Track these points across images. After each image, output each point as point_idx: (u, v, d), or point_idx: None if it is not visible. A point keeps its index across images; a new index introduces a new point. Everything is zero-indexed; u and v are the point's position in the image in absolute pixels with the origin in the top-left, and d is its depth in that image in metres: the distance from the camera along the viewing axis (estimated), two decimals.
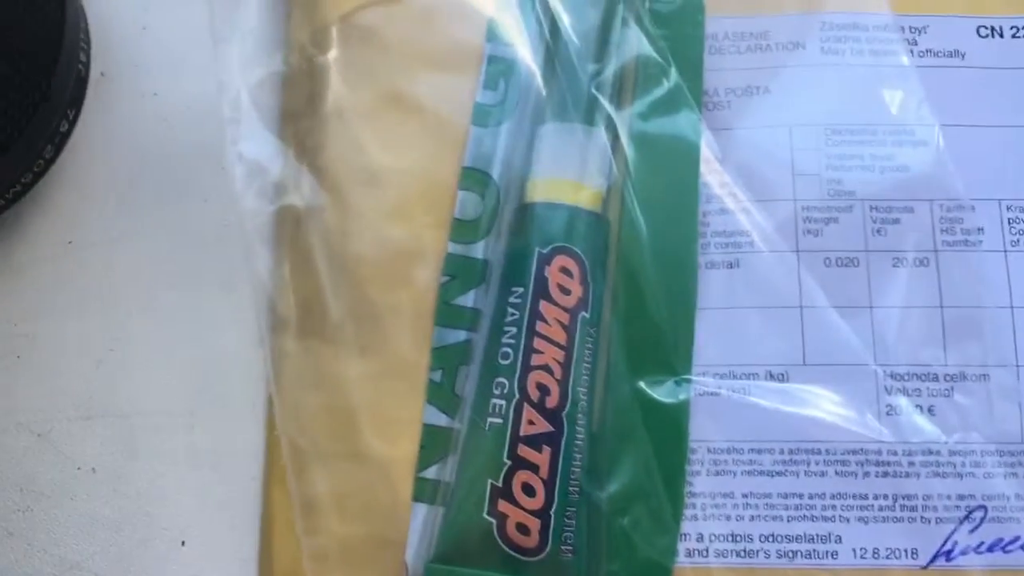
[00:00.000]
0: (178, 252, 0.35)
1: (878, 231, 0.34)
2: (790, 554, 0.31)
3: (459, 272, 0.33)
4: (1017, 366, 0.32)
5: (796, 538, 0.31)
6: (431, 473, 0.32)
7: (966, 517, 0.31)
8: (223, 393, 0.34)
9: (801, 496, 0.32)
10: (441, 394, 0.32)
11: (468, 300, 0.33)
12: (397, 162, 0.34)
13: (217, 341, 0.35)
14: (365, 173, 0.34)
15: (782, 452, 0.32)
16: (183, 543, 0.33)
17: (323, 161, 0.34)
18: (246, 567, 0.33)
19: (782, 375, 0.33)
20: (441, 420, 0.32)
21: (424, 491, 0.32)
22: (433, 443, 0.32)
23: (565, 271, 0.31)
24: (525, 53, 0.35)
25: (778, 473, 0.32)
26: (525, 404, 0.30)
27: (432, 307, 0.33)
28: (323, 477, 0.32)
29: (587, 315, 0.31)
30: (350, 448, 0.32)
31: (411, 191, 0.34)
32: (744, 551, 0.31)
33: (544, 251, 0.32)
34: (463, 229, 0.34)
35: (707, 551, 0.31)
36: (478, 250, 0.34)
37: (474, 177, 0.34)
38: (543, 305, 0.31)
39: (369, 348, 0.33)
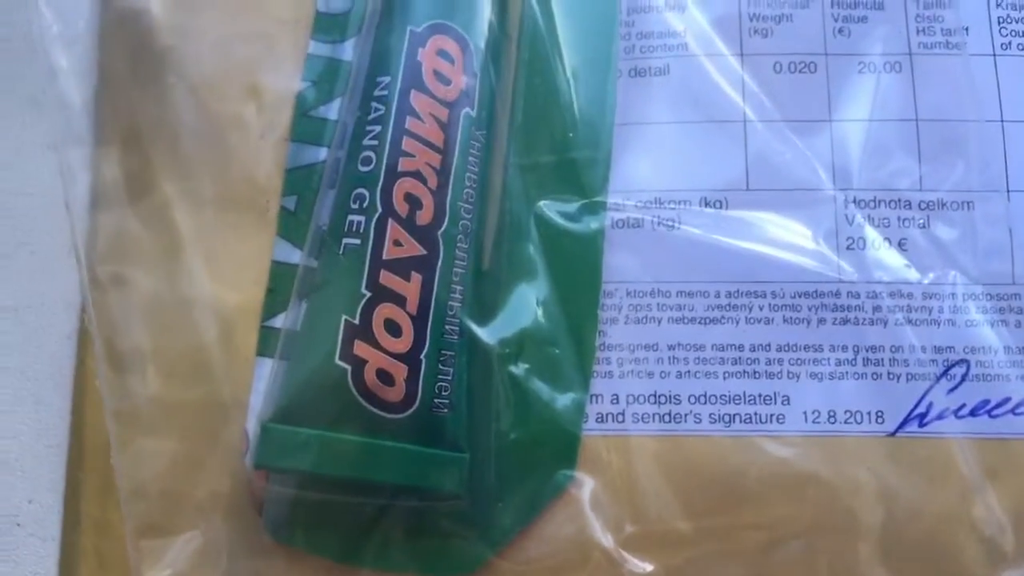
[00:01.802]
0: None
1: (840, 30, 0.27)
2: (726, 418, 0.24)
3: (322, 77, 0.26)
4: (1008, 191, 0.25)
5: (734, 399, 0.24)
6: (281, 322, 0.24)
7: (944, 373, 0.24)
8: (32, 231, 0.26)
9: (741, 348, 0.25)
10: (295, 225, 0.25)
11: (332, 111, 0.26)
12: None
13: (23, 169, 0.27)
14: None
15: (718, 295, 0.25)
16: None
17: None
18: (52, 449, 0.25)
19: (720, 202, 0.25)
20: (295, 257, 0.25)
21: (271, 344, 0.24)
22: (284, 285, 0.25)
23: (444, 55, 0.24)
24: None
25: (713, 320, 0.25)
26: (390, 220, 0.23)
27: (287, 120, 0.25)
28: (141, 326, 0.24)
29: (472, 112, 0.24)
30: (178, 291, 0.25)
31: None
32: (669, 415, 0.24)
33: (417, 29, 0.24)
34: (328, 24, 0.27)
35: (623, 415, 0.24)
36: (346, 50, 0.26)
37: None
38: (415, 96, 0.24)
39: (207, 170, 0.26)
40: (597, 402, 0.25)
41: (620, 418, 0.25)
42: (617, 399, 0.25)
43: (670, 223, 0.26)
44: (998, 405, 0.25)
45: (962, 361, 0.25)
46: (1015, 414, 0.25)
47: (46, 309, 0.27)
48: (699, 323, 0.26)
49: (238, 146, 0.26)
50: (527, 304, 0.25)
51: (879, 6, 0.27)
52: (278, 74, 0.27)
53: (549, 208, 0.26)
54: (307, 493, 0.24)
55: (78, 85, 0.27)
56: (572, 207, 0.26)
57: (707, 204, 0.26)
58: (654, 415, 0.25)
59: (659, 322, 0.26)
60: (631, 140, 0.27)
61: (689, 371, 0.25)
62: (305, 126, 0.26)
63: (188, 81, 0.27)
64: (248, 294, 0.26)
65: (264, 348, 0.25)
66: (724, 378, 0.25)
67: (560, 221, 0.25)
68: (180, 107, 0.26)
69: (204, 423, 0.25)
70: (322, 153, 0.26)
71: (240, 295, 0.25)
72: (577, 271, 0.25)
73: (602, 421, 0.25)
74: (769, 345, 0.25)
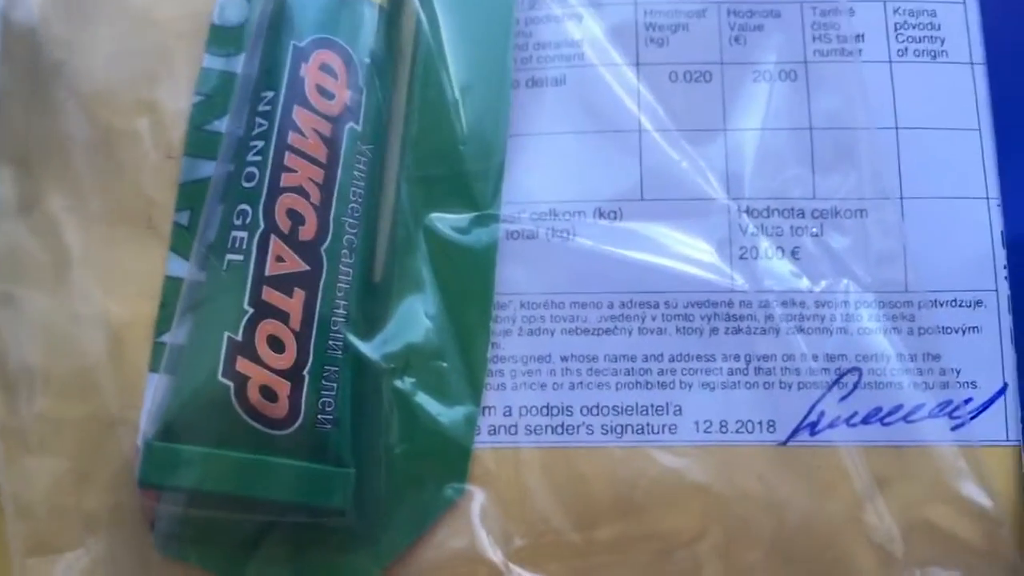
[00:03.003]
0: None
1: (736, 39, 0.27)
2: (618, 429, 0.24)
3: (216, 90, 0.26)
4: (901, 199, 0.25)
5: (626, 410, 0.24)
6: (176, 336, 0.24)
7: (836, 382, 0.24)
8: None
9: (634, 359, 0.25)
10: (188, 240, 0.25)
11: (228, 124, 0.25)
12: None
13: None
14: None
15: (611, 306, 0.25)
16: None
17: None
18: None
19: (614, 212, 0.25)
20: (189, 269, 0.24)
21: (163, 358, 0.24)
22: (178, 299, 0.24)
23: (327, 69, 0.24)
24: None
25: (606, 331, 0.25)
26: (272, 236, 0.23)
27: (181, 134, 0.25)
28: (31, 344, 0.24)
29: (357, 127, 0.24)
30: (68, 307, 0.24)
31: None
32: (562, 426, 0.24)
33: (300, 44, 0.24)
34: (222, 37, 0.26)
35: (516, 427, 0.24)
36: (240, 64, 0.26)
37: None
38: (297, 112, 0.23)
39: (99, 184, 0.25)
40: (489, 414, 0.25)
41: (512, 430, 0.25)
42: (509, 411, 0.25)
43: (564, 234, 0.26)
44: (890, 413, 0.25)
45: (854, 369, 0.25)
46: (907, 421, 0.25)
47: None
48: (592, 334, 0.25)
49: (130, 161, 0.26)
50: (415, 318, 0.25)
51: (775, 14, 0.28)
52: (172, 88, 0.27)
53: (440, 221, 0.26)
54: (195, 511, 0.24)
55: None
56: (463, 220, 0.26)
57: (601, 215, 0.26)
58: (546, 426, 0.25)
59: (552, 333, 0.26)
60: (526, 151, 0.27)
61: (582, 382, 0.25)
62: (198, 140, 0.26)
63: (80, 96, 0.26)
64: (140, 309, 0.25)
65: (156, 364, 0.25)
66: (616, 389, 0.25)
67: (451, 234, 0.25)
68: (71, 122, 0.26)
69: (93, 439, 0.25)
70: (213, 167, 0.26)
71: (131, 310, 0.25)
72: (468, 284, 0.25)
73: (494, 433, 0.25)
74: (662, 355, 0.25)
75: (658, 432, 0.25)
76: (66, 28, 0.27)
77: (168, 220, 0.26)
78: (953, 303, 0.25)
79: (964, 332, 0.25)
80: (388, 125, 0.26)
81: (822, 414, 0.25)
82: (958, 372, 0.25)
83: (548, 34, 0.28)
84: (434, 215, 0.25)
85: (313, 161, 0.24)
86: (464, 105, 0.26)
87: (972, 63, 0.27)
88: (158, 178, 0.26)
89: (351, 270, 0.24)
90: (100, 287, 0.26)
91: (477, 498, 0.24)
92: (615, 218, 0.26)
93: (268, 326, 0.23)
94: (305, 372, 0.23)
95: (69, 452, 0.25)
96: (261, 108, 0.24)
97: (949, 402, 0.25)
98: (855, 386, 0.25)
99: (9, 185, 0.26)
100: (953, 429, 0.25)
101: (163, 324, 0.25)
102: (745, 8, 0.28)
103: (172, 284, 0.25)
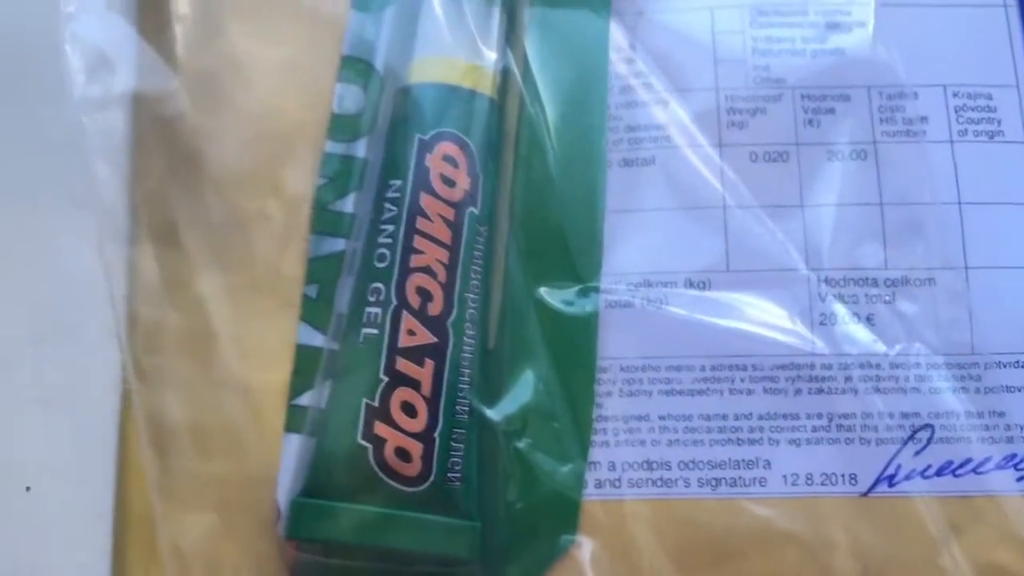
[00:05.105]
0: (12, 160, 0.30)
1: (810, 122, 0.29)
2: (713, 482, 0.27)
3: (338, 173, 0.29)
4: (966, 268, 0.28)
5: (720, 464, 0.27)
6: (306, 400, 0.27)
7: (911, 437, 0.27)
8: (74, 321, 0.29)
9: (725, 417, 0.27)
10: (317, 311, 0.28)
11: (348, 204, 0.29)
12: (267, 51, 0.30)
13: (65, 261, 0.30)
14: (230, 63, 0.29)
15: (703, 369, 0.28)
16: (28, 488, 0.28)
17: (181, 49, 0.29)
18: (99, 518, 0.28)
19: (703, 283, 0.28)
20: (317, 340, 0.28)
21: (298, 420, 0.27)
22: (308, 366, 0.27)
23: (449, 159, 0.27)
24: None
25: (699, 392, 0.27)
26: (404, 311, 0.26)
27: (308, 214, 0.28)
28: (180, 408, 0.27)
29: (476, 211, 0.27)
30: (212, 374, 0.28)
31: (283, 84, 0.30)
32: (661, 480, 0.27)
33: (425, 137, 0.27)
34: (342, 125, 0.29)
35: (619, 481, 0.27)
36: (359, 148, 0.29)
37: (354, 67, 0.30)
38: (424, 198, 0.26)
39: (235, 261, 0.28)
40: (595, 470, 0.28)
41: (616, 484, 0.28)
42: (613, 466, 0.28)
43: (658, 303, 0.29)
44: (961, 465, 0.28)
45: (927, 426, 0.28)
46: (976, 473, 0.28)
47: (91, 391, 0.30)
48: (686, 395, 0.28)
49: (262, 239, 0.29)
50: (529, 383, 0.28)
51: (845, 98, 0.30)
52: (298, 171, 0.30)
53: (548, 294, 0.28)
54: (334, 560, 0.27)
55: (116, 188, 0.30)
56: (569, 292, 0.29)
57: (691, 285, 0.29)
58: (647, 480, 0.28)
59: (650, 394, 0.28)
60: (622, 227, 0.29)
61: (678, 439, 0.28)
62: (324, 219, 0.29)
63: (214, 180, 0.29)
64: (275, 375, 0.28)
65: (292, 424, 0.28)
66: (710, 445, 0.28)
67: (558, 306, 0.28)
68: (210, 205, 0.29)
69: (237, 495, 0.28)
70: (340, 244, 0.29)
71: (268, 376, 0.28)
72: (574, 351, 0.28)
73: (600, 487, 0.28)
74: (751, 414, 0.28)
75: (750, 484, 0.28)
76: (202, 118, 0.30)
77: (298, 293, 0.29)
78: (1016, 364, 0.28)
79: None
80: (497, 204, 0.29)
81: (899, 467, 0.28)
82: (1022, 428, 0.28)
83: (638, 118, 0.30)
84: (542, 289, 0.28)
85: (439, 243, 0.27)
86: (564, 185, 0.29)
87: None
88: (288, 255, 0.29)
89: (474, 340, 0.27)
90: (239, 356, 0.28)
91: (587, 547, 0.27)
92: (704, 288, 0.29)
93: (402, 393, 0.26)
94: (436, 435, 0.26)
95: (216, 506, 0.28)
96: (390, 195, 0.27)
97: (1015, 455, 0.27)
98: (928, 441, 0.28)
99: (153, 262, 0.29)
100: (1019, 480, 0.27)
101: (297, 388, 0.28)
102: (817, 92, 0.30)
103: (303, 352, 0.28)
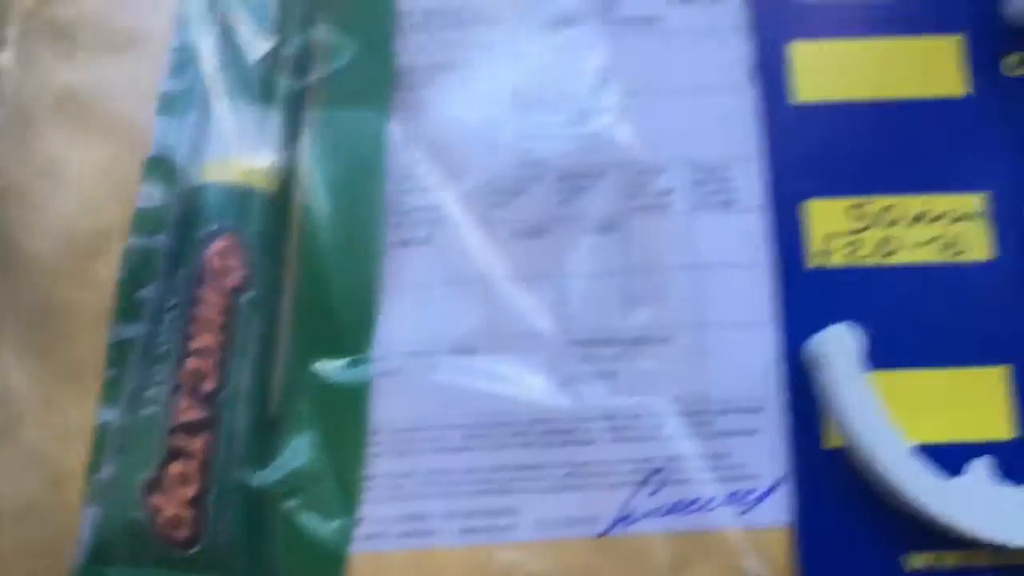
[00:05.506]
0: None
1: (566, 200, 0.33)
2: (470, 531, 0.31)
3: (139, 265, 0.33)
4: (702, 325, 0.32)
5: (475, 514, 0.31)
6: (104, 474, 0.31)
7: (644, 481, 0.30)
8: None
9: (483, 470, 0.31)
10: (116, 392, 0.32)
11: (148, 293, 0.32)
12: (81, 154, 0.34)
13: None
14: (47, 166, 0.33)
15: (468, 427, 0.31)
16: None
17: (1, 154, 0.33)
18: None
19: (468, 349, 0.32)
20: (113, 418, 0.31)
21: (96, 494, 0.31)
22: (106, 443, 0.31)
23: (227, 252, 0.31)
24: (205, 35, 0.34)
25: (464, 448, 0.31)
26: (180, 391, 0.29)
27: (111, 303, 0.32)
28: None
29: (251, 296, 0.31)
30: (19, 455, 0.31)
31: (96, 185, 0.34)
32: (423, 531, 0.31)
33: (206, 232, 0.31)
34: (145, 221, 0.33)
35: (384, 534, 0.31)
36: (160, 241, 0.33)
37: (159, 167, 0.34)
38: (202, 288, 0.30)
39: (43, 350, 0.32)
40: (363, 525, 0.31)
41: (381, 537, 0.31)
42: (379, 521, 0.31)
43: (427, 369, 0.33)
44: (690, 504, 0.31)
45: (660, 470, 0.31)
46: (704, 511, 0.31)
47: None
48: (452, 452, 0.32)
49: (73, 327, 0.33)
50: (302, 449, 0.31)
51: (598, 176, 0.34)
52: (109, 264, 0.34)
53: (322, 367, 0.32)
54: None
55: None
56: (342, 364, 0.32)
57: (457, 352, 0.33)
58: (409, 532, 0.31)
59: (420, 453, 0.32)
60: (399, 302, 0.33)
61: (440, 492, 0.32)
62: (124, 307, 0.33)
63: (31, 272, 0.33)
64: (75, 452, 0.32)
65: (91, 498, 0.32)
66: (468, 497, 0.32)
67: (332, 376, 0.32)
68: (24, 295, 0.33)
69: (43, 564, 0.31)
70: (136, 329, 0.33)
71: (69, 453, 0.32)
72: (346, 416, 0.32)
73: (369, 539, 0.31)
74: (505, 466, 0.32)
75: (502, 531, 0.31)
76: (20, 216, 0.34)
77: (99, 376, 0.33)
78: (738, 410, 0.32)
79: (749, 434, 0.32)
80: (281, 290, 0.33)
81: (635, 508, 0.31)
82: (744, 466, 0.31)
83: (417, 201, 0.34)
84: (318, 363, 0.32)
85: (214, 328, 0.31)
86: (342, 267, 0.33)
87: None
88: (95, 341, 0.33)
89: (245, 413, 0.31)
90: (43, 436, 0.32)
91: None
92: (469, 353, 0.33)
93: (177, 465, 0.30)
94: (207, 502, 0.30)
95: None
96: (174, 285, 0.31)
97: (736, 492, 0.31)
98: (662, 484, 0.31)
99: None
100: (741, 514, 0.31)
101: (96, 464, 0.32)
102: (574, 173, 0.34)
103: (102, 429, 0.32)
